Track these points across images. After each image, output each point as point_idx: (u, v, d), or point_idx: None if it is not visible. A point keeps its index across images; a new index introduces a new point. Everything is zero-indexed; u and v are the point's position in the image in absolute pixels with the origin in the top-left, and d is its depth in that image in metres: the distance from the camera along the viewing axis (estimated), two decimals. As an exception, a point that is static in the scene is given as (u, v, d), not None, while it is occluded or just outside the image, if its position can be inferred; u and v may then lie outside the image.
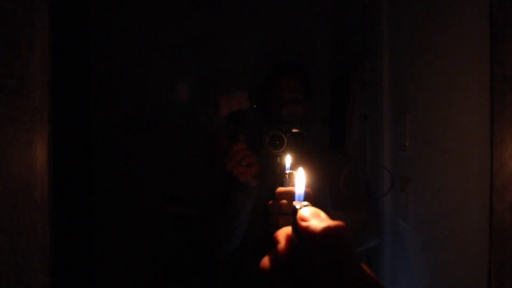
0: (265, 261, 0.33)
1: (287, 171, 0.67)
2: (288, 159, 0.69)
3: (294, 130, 0.99)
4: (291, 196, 0.66)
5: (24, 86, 0.56)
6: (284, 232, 0.33)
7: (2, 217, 0.54)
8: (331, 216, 0.30)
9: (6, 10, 0.52)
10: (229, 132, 1.03)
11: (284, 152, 0.95)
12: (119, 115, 1.98)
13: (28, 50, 0.56)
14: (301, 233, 0.29)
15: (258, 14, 2.01)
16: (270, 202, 0.73)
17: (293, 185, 0.65)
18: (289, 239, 0.31)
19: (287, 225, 0.70)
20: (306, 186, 0.70)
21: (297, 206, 0.31)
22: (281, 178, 0.68)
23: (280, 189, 0.68)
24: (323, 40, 2.01)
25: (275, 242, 0.32)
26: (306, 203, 0.31)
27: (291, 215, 0.31)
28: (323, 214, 0.30)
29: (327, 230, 0.27)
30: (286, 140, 0.96)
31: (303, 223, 0.29)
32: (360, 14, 1.66)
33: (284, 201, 0.68)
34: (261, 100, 1.19)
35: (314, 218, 0.29)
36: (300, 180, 0.36)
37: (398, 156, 1.20)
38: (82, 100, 1.95)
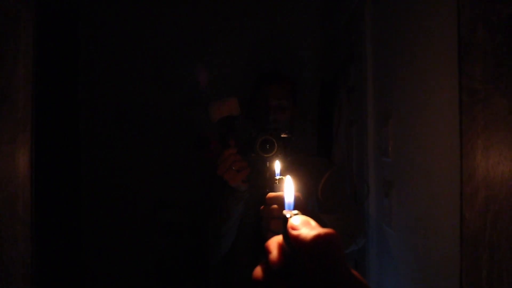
0: (258, 270, 0.33)
1: (277, 177, 0.69)
2: (277, 165, 0.71)
3: (283, 135, 1.01)
4: (281, 201, 0.69)
5: (8, 98, 0.57)
6: (275, 241, 0.33)
7: (-17, 228, 0.55)
8: (319, 219, 0.30)
9: (-11, 24, 0.53)
10: (220, 137, 1.05)
11: (275, 156, 0.98)
12: (109, 121, 1.98)
13: (12, 62, 0.56)
14: (292, 242, 0.29)
15: (247, 22, 2.03)
16: (262, 207, 0.74)
17: (283, 191, 0.67)
18: (280, 248, 0.32)
19: (278, 229, 0.72)
20: (296, 191, 0.72)
21: (287, 215, 0.31)
22: (271, 183, 0.70)
23: (271, 194, 0.70)
24: (311, 48, 2.04)
25: (267, 251, 0.32)
26: (296, 211, 0.31)
27: (281, 224, 0.32)
28: (313, 222, 0.30)
29: (317, 238, 0.27)
30: (276, 144, 0.98)
31: (294, 232, 0.29)
32: (346, 23, 1.70)
33: (275, 206, 0.70)
34: (249, 107, 1.21)
35: (305, 227, 0.29)
36: (288, 188, 0.35)
37: (381, 161, 1.23)
38: (70, 106, 1.94)
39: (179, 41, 2.01)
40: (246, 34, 2.03)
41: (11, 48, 0.56)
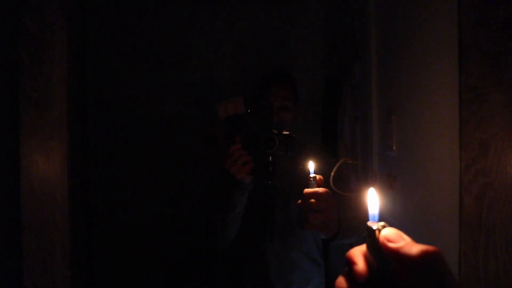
0: (341, 282, 0.32)
1: (311, 175, 0.80)
2: (311, 165, 0.80)
3: (284, 133, 1.08)
4: (317, 196, 0.80)
5: (46, 98, 0.62)
6: (358, 252, 0.32)
7: (28, 216, 0.61)
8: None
9: (32, 32, 0.58)
10: (226, 134, 1.12)
11: (276, 152, 1.06)
12: (116, 118, 2.03)
13: (50, 65, 0.62)
14: (386, 255, 0.29)
15: (251, 19, 2.08)
16: (299, 201, 0.84)
17: (317, 187, 0.78)
18: (365, 259, 0.31)
19: (315, 222, 0.83)
20: (318, 176, 0.82)
21: (374, 227, 0.30)
22: (306, 181, 0.81)
23: (307, 190, 0.81)
24: (316, 45, 2.08)
25: (350, 262, 0.31)
26: (383, 223, 0.31)
27: (367, 235, 0.31)
28: (405, 235, 0.29)
29: (425, 255, 0.27)
30: (277, 142, 1.06)
31: (391, 245, 0.28)
32: (351, 20, 1.75)
33: (313, 200, 0.79)
34: (253, 107, 1.27)
35: (402, 240, 0.28)
36: (373, 200, 0.35)
37: (386, 156, 1.28)
38: (78, 103, 1.99)
39: (185, 40, 2.05)
40: (250, 31, 2.07)
41: (48, 53, 0.62)
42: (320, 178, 0.81)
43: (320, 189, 0.80)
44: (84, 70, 1.99)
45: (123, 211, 2.01)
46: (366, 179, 1.48)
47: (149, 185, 2.03)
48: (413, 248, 0.27)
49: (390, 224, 0.31)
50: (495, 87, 0.57)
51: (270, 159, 1.07)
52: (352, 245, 1.55)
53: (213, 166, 1.26)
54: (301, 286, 1.19)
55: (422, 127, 0.88)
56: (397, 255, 0.28)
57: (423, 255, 0.27)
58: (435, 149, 0.77)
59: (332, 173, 0.79)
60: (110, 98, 2.03)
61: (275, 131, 1.07)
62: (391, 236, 0.29)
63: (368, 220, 0.34)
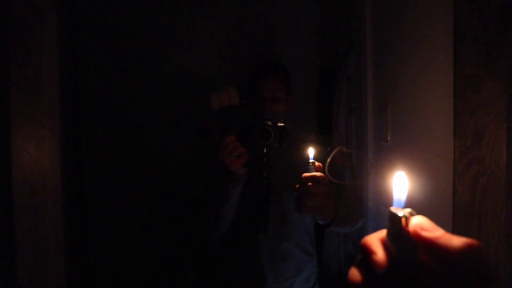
0: (355, 273, 0.30)
1: (311, 161, 0.82)
2: (311, 151, 0.82)
3: (279, 124, 1.07)
4: (315, 180, 0.82)
5: (37, 86, 0.61)
6: (376, 240, 0.29)
7: (20, 205, 0.60)
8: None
9: (19, 17, 0.57)
10: (220, 126, 1.11)
11: (271, 144, 1.06)
12: (110, 110, 2.01)
13: (39, 54, 0.60)
14: (413, 244, 0.26)
15: (244, 8, 2.05)
16: (297, 185, 0.85)
17: (316, 172, 0.79)
18: (386, 249, 0.28)
19: (312, 204, 0.85)
20: (317, 162, 0.83)
21: (400, 213, 0.28)
22: (305, 166, 0.82)
23: (306, 174, 0.82)
24: (310, 35, 2.07)
25: (368, 251, 0.29)
26: (410, 210, 0.28)
27: (388, 222, 0.28)
28: (437, 226, 0.27)
29: (469, 248, 0.24)
30: (273, 133, 1.05)
31: (426, 234, 0.26)
32: (346, 10, 1.73)
33: (310, 183, 0.82)
34: (246, 99, 1.26)
35: (436, 230, 0.26)
36: (401, 184, 0.31)
37: (380, 146, 1.29)
38: (70, 90, 1.96)
39: (176, 30, 2.02)
40: (241, 20, 2.05)
41: (37, 39, 0.60)
42: (319, 165, 0.83)
43: (318, 174, 0.82)
44: (77, 58, 1.96)
45: (118, 202, 2.01)
46: (360, 168, 1.49)
47: (144, 176, 2.03)
48: (454, 240, 0.25)
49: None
50: (489, 75, 0.57)
51: (265, 151, 1.06)
52: (344, 235, 1.56)
53: (207, 158, 1.25)
54: (293, 276, 1.19)
55: (416, 117, 0.88)
56: (431, 246, 0.26)
57: (467, 249, 0.24)
58: (430, 139, 0.77)
59: (328, 160, 0.80)
60: (103, 89, 2.00)
61: (270, 123, 1.07)
62: (425, 225, 0.26)
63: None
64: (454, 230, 0.56)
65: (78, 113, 1.96)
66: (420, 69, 0.83)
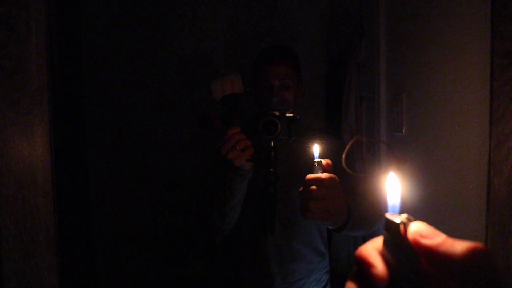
0: None
1: (316, 160, 0.71)
2: (316, 148, 0.71)
3: (288, 115, 0.98)
4: (319, 182, 0.71)
5: (22, 68, 0.55)
6: (373, 250, 0.27)
7: (7, 199, 0.55)
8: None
9: (0, -12, 0.51)
10: (223, 116, 1.02)
11: (278, 137, 0.96)
12: (116, 103, 1.96)
13: (25, 31, 0.54)
14: (415, 253, 0.24)
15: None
16: (301, 188, 0.75)
17: (322, 172, 0.70)
18: (384, 259, 0.26)
19: (317, 209, 0.74)
20: (325, 159, 0.73)
21: (396, 220, 0.25)
22: (310, 166, 0.72)
23: (310, 176, 0.72)
24: (318, 21, 1.98)
25: (365, 263, 0.26)
26: (406, 215, 0.26)
27: (384, 230, 0.26)
28: (437, 231, 0.25)
29: (473, 254, 0.22)
30: (280, 126, 0.96)
31: (426, 241, 0.24)
32: (356, -6, 1.64)
33: (314, 187, 0.71)
34: (252, 87, 1.16)
35: (437, 236, 0.24)
36: (393, 187, 0.28)
37: (394, 136, 1.22)
38: (76, 84, 1.92)
39: (180, 13, 1.95)
40: (250, 3, 1.97)
41: (22, 15, 0.54)
42: (327, 163, 0.73)
43: (323, 175, 0.71)
44: (80, 46, 1.91)
45: (123, 195, 1.98)
46: (372, 161, 1.42)
47: (149, 168, 1.99)
48: (456, 245, 0.23)
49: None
50: (531, 54, 0.50)
51: (272, 144, 0.97)
52: (361, 238, 1.43)
53: (209, 151, 1.16)
54: (303, 277, 1.11)
55: (440, 103, 0.80)
56: (433, 254, 0.23)
57: (471, 254, 0.22)
58: (457, 126, 0.70)
59: (345, 153, 0.70)
60: (109, 82, 1.95)
61: (277, 113, 0.97)
62: (425, 231, 0.24)
63: (381, 209, 0.26)
64: (488, 229, 0.50)
65: (82, 106, 1.93)
66: (447, 49, 0.76)
